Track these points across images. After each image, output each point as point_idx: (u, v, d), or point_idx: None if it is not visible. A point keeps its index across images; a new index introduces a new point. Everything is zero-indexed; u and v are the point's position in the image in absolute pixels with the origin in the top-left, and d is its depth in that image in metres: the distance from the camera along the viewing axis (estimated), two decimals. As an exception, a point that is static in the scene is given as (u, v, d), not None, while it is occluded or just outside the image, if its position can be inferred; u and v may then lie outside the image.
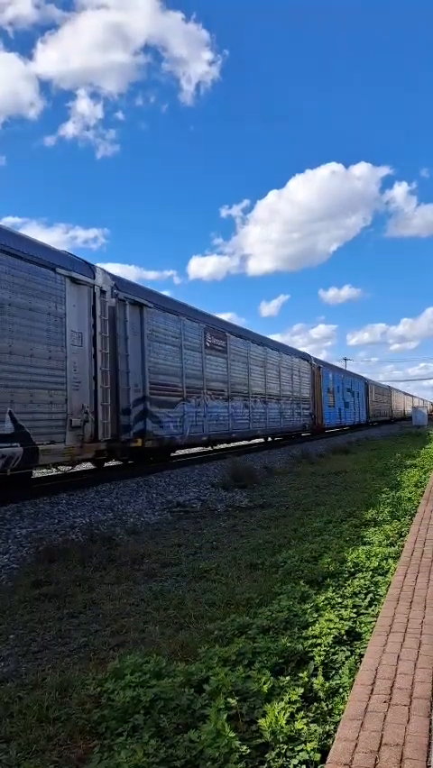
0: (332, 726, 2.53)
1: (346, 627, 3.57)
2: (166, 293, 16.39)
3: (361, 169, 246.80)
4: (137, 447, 11.51)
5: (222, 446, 19.71)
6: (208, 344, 15.41)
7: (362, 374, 55.45)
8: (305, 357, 26.92)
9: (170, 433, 12.88)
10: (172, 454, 15.77)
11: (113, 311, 10.64)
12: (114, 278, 11.00)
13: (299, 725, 2.49)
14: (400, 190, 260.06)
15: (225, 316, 32.85)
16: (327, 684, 2.88)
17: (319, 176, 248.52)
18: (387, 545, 5.74)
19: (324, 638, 3.39)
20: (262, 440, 23.78)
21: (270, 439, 24.45)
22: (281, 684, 2.86)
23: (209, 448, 18.52)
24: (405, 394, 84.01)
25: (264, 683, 2.81)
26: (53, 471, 12.84)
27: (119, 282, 11.18)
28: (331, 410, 30.67)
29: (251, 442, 22.42)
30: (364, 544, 5.85)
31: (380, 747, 2.26)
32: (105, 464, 12.98)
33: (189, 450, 18.62)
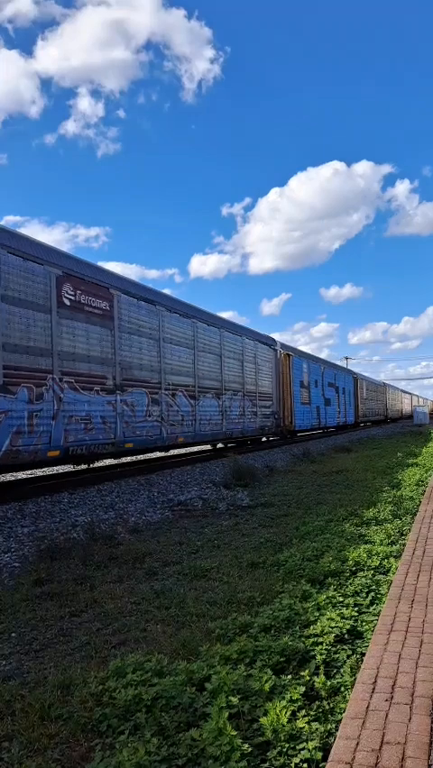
0: (333, 725, 2.54)
1: (348, 626, 3.57)
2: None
3: (363, 167, 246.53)
4: None
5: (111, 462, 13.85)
6: (68, 302, 9.82)
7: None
8: (266, 341, 21.21)
9: None
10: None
11: None
12: None
13: (300, 723, 2.50)
14: (401, 188, 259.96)
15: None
16: (329, 683, 2.88)
17: (321, 174, 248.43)
18: (388, 544, 5.74)
19: (325, 637, 3.39)
20: (209, 447, 18.61)
21: (220, 446, 18.93)
22: (283, 683, 2.86)
23: (82, 466, 12.41)
24: (403, 392, 77.04)
25: (266, 682, 2.81)
26: (55, 470, 12.86)
27: None
28: (305, 409, 24.94)
29: (169, 453, 16.38)
30: (366, 542, 5.85)
31: (381, 746, 2.26)
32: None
33: (190, 449, 18.12)
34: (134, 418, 11.56)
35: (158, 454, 16.52)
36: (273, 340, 22.19)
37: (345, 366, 50.50)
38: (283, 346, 23.32)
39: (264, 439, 22.30)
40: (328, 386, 30.28)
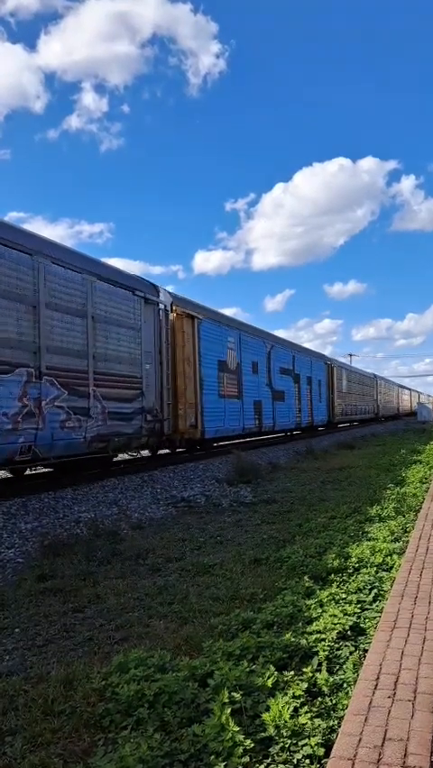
0: (336, 721, 2.53)
1: (351, 623, 3.56)
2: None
3: (368, 162, 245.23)
4: None
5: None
6: None
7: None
8: (129, 283, 11.39)
9: None
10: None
11: None
12: None
13: (302, 719, 2.50)
14: (407, 184, 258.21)
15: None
16: (331, 679, 2.88)
17: (326, 170, 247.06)
18: (392, 541, 5.73)
19: (328, 633, 3.39)
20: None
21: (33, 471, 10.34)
22: (285, 679, 2.86)
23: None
24: (401, 387, 66.31)
25: (268, 678, 2.81)
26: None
27: None
28: (230, 405, 16.32)
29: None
30: (369, 539, 5.84)
31: (384, 742, 2.26)
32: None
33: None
34: None
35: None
36: (152, 286, 12.47)
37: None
38: (181, 301, 13.79)
39: (121, 456, 12.85)
40: (281, 373, 21.47)
